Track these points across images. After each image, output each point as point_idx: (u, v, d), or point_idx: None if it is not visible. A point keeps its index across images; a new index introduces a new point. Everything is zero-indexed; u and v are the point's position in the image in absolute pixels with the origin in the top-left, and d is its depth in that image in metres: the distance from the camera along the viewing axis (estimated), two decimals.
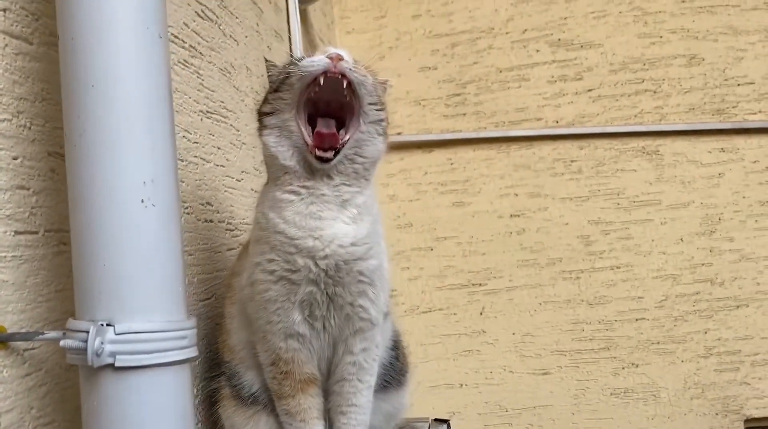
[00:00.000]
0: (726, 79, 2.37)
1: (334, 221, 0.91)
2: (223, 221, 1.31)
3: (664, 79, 2.39)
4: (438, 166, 2.50)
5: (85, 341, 0.60)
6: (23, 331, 0.68)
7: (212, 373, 1.09)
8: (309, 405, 0.97)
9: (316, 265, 0.90)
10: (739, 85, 2.37)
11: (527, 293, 2.43)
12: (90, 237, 0.62)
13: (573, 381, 2.40)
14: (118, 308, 0.62)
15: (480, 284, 2.46)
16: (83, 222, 0.63)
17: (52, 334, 0.65)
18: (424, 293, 2.49)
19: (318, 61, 0.87)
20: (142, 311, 0.63)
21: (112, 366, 0.61)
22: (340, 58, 0.87)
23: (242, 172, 1.42)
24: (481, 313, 2.46)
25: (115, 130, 0.62)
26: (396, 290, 2.47)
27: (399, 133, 2.52)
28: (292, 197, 0.92)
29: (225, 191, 1.32)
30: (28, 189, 0.74)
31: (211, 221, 1.25)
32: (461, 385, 2.45)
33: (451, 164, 2.50)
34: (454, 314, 2.47)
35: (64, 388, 0.78)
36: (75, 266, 0.65)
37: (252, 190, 1.46)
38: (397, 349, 1.08)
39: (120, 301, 0.62)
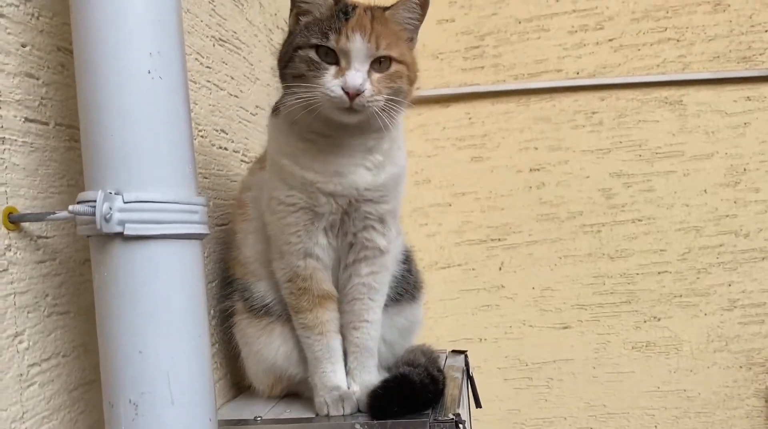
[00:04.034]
0: (752, 26, 2.30)
1: (356, 167, 0.92)
2: (238, 151, 1.31)
3: (687, 27, 2.33)
4: (456, 121, 2.47)
5: (94, 207, 0.59)
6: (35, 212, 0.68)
7: (224, 291, 1.09)
8: (326, 318, 0.98)
9: (336, 202, 0.93)
10: (766, 31, 2.30)
11: (547, 247, 2.40)
12: (97, 108, 0.62)
13: (594, 335, 2.37)
14: (127, 178, 0.62)
15: (499, 239, 2.44)
16: (90, 93, 0.63)
17: (63, 213, 0.65)
18: (443, 249, 2.47)
19: (334, 91, 0.84)
20: (151, 182, 0.63)
21: (121, 235, 0.61)
22: (358, 94, 0.84)
23: (256, 106, 1.42)
24: (500, 268, 2.44)
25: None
26: (414, 246, 2.47)
27: (416, 88, 2.49)
28: (310, 146, 0.92)
29: (239, 122, 1.32)
30: (38, 79, 0.74)
31: (225, 149, 1.25)
32: (481, 339, 2.44)
33: (470, 119, 2.47)
34: (473, 269, 2.45)
35: (79, 282, 0.79)
36: (83, 138, 0.65)
37: (267, 126, 1.45)
38: (408, 262, 1.08)
39: (129, 171, 0.62)
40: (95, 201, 0.60)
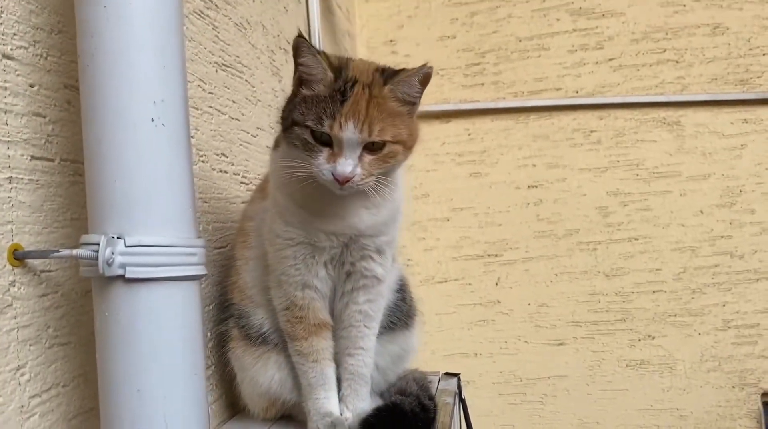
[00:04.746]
0: (751, 49, 2.32)
1: (357, 209, 0.94)
2: (238, 174, 1.33)
3: (686, 49, 2.35)
4: (455, 137, 2.50)
5: (97, 251, 0.62)
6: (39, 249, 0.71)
7: (222, 315, 1.11)
8: (322, 346, 1.00)
9: (337, 239, 0.95)
10: (764, 54, 2.32)
11: (543, 264, 2.43)
12: (102, 154, 0.65)
13: (588, 352, 2.39)
14: (129, 223, 0.64)
15: (496, 255, 2.46)
16: (95, 139, 0.65)
17: (66, 251, 0.68)
18: (440, 263, 2.50)
19: (326, 175, 0.86)
20: (152, 226, 0.65)
21: (122, 277, 0.64)
22: (347, 181, 0.86)
23: (257, 128, 1.44)
24: (496, 284, 2.46)
25: (125, 50, 0.64)
26: (411, 260, 2.49)
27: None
28: (313, 192, 0.92)
29: (240, 145, 1.34)
30: (45, 117, 0.77)
31: (225, 172, 1.27)
32: (476, 354, 2.46)
33: (469, 135, 2.50)
34: (470, 284, 2.48)
35: (80, 313, 0.81)
36: (88, 182, 0.67)
37: (267, 146, 1.48)
38: (403, 291, 1.10)
39: (130, 215, 0.64)
40: (98, 244, 0.62)
